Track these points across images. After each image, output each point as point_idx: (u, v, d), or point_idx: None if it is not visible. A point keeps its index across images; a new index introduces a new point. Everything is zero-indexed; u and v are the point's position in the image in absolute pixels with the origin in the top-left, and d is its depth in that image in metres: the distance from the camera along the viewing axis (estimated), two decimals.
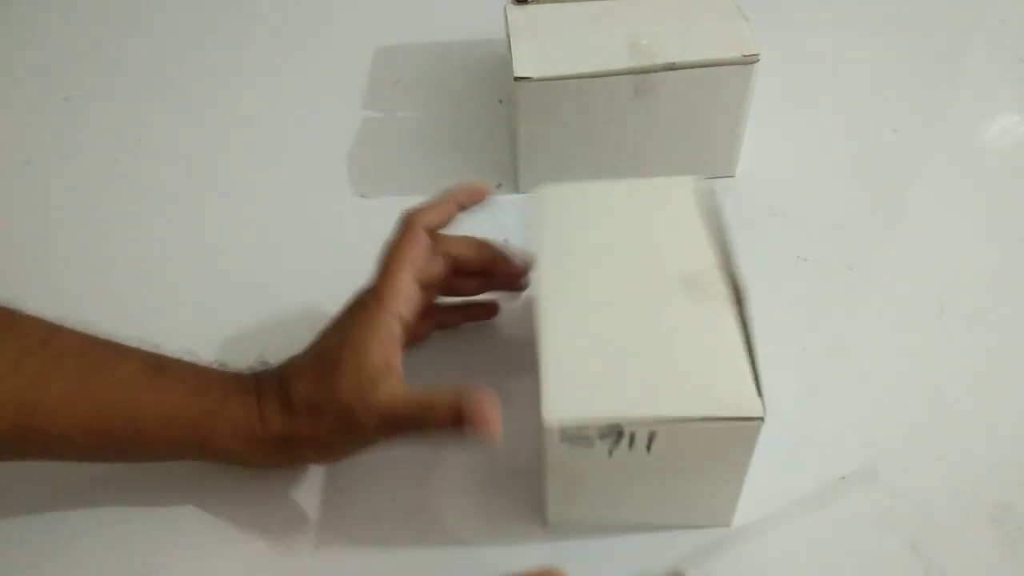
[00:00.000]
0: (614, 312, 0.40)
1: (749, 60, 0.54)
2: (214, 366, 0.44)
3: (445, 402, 0.37)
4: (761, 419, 0.36)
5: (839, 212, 0.58)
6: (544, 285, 0.42)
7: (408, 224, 0.43)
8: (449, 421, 0.37)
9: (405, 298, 0.41)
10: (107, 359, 0.40)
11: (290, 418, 0.40)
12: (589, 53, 0.54)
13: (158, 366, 0.41)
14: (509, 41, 0.56)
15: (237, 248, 0.58)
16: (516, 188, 0.60)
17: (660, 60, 0.53)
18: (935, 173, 0.62)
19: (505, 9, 0.58)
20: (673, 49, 0.54)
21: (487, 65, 0.70)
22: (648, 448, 0.37)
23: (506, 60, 0.56)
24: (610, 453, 0.37)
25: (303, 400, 0.40)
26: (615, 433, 0.36)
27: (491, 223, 0.59)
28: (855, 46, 0.72)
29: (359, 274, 0.56)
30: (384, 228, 0.59)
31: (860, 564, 0.42)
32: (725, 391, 0.37)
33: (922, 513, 0.43)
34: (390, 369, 0.40)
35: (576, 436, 0.37)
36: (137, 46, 0.75)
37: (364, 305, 0.41)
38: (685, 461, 0.39)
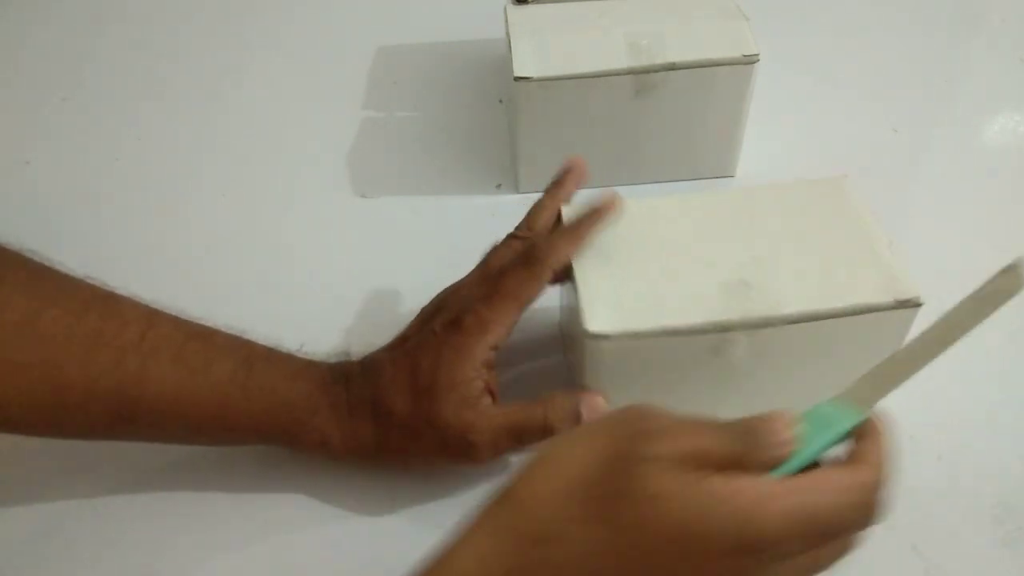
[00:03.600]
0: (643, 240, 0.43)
1: (749, 60, 0.54)
2: (300, 353, 0.44)
3: (566, 412, 0.40)
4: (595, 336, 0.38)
5: None
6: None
7: (537, 263, 0.41)
8: (571, 424, 0.41)
9: (506, 329, 0.41)
10: (200, 358, 0.41)
11: (385, 433, 0.41)
12: (589, 53, 0.54)
13: (249, 366, 0.41)
14: (509, 41, 0.56)
15: (236, 248, 0.58)
16: (516, 188, 0.60)
17: (660, 60, 0.53)
18: (935, 173, 0.62)
19: (505, 9, 0.58)
20: (673, 49, 0.54)
21: (487, 65, 0.70)
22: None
23: (506, 60, 0.56)
24: None
25: (400, 418, 0.41)
26: None
27: (491, 223, 0.59)
28: (855, 46, 0.72)
29: (359, 274, 0.56)
30: (384, 228, 0.59)
31: (860, 564, 0.41)
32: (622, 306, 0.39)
33: (922, 513, 0.43)
34: (486, 391, 0.41)
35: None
36: (136, 46, 0.75)
37: (464, 328, 0.40)
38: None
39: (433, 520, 0.44)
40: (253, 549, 0.43)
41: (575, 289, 0.41)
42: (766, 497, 0.28)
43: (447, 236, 0.58)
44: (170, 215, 0.60)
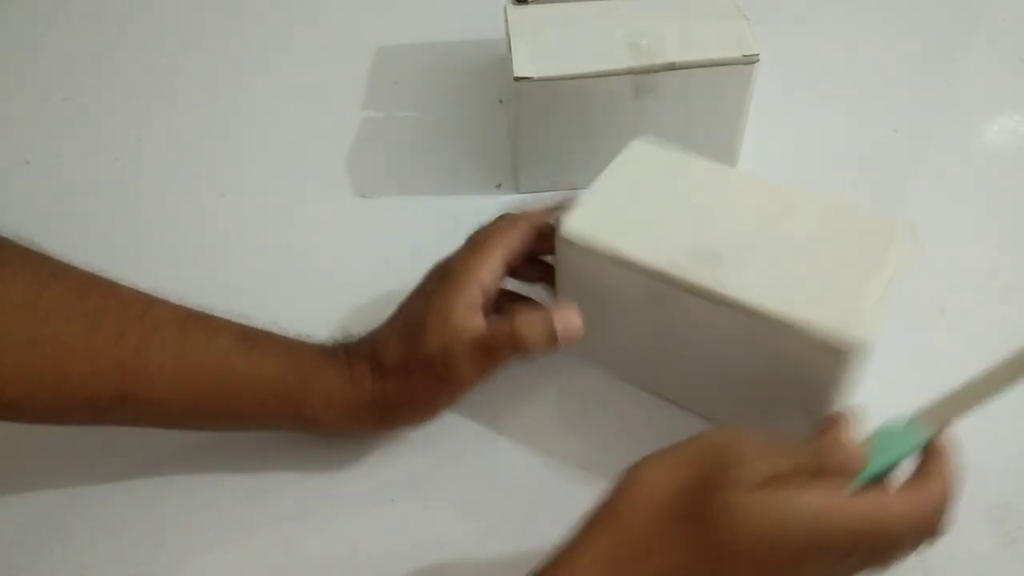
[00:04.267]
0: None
1: (749, 60, 0.54)
2: (301, 337, 0.45)
3: (536, 326, 0.41)
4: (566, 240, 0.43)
5: None
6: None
7: (516, 215, 0.45)
8: (545, 342, 0.41)
9: (491, 271, 0.43)
10: (202, 331, 0.42)
11: (382, 382, 0.42)
12: (589, 53, 0.54)
13: (251, 338, 0.42)
14: (509, 41, 0.56)
15: (236, 248, 0.58)
16: (516, 188, 0.60)
17: (660, 60, 0.53)
18: (935, 173, 0.62)
19: (505, 9, 0.58)
20: (673, 49, 0.54)
21: (487, 65, 0.70)
22: None
23: (506, 60, 0.56)
24: None
25: (394, 362, 0.42)
26: None
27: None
28: (855, 46, 0.72)
29: (359, 274, 0.56)
30: (384, 228, 0.59)
31: None
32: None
33: None
34: (475, 317, 0.42)
35: None
36: (137, 46, 0.75)
37: (451, 274, 0.43)
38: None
39: (432, 516, 0.44)
40: (250, 542, 0.43)
41: None
42: (834, 509, 0.31)
43: (447, 236, 0.58)
44: (170, 215, 0.60)
